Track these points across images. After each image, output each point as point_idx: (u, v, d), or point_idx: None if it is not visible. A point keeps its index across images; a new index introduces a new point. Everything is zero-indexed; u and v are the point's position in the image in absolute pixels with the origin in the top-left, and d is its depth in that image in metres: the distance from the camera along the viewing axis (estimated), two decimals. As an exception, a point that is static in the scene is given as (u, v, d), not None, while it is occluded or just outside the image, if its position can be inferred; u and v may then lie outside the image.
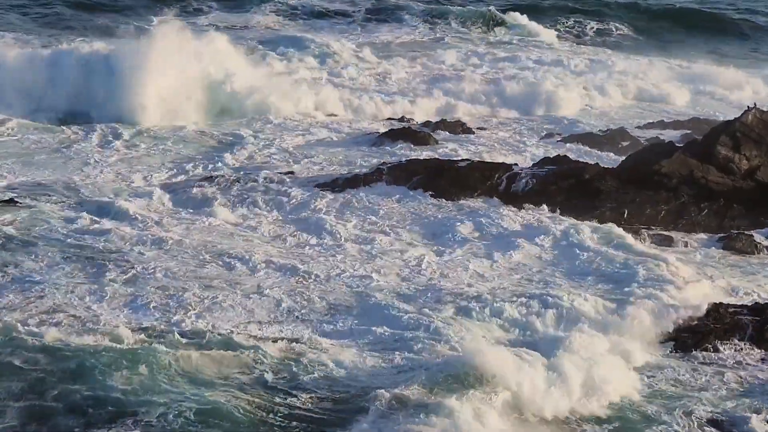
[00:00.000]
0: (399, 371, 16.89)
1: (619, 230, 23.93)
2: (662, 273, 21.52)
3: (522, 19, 57.02)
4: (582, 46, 54.70)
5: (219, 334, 17.58)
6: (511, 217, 24.69)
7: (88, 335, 17.31)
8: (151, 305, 18.97)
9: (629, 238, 23.54)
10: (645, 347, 18.51)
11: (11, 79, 34.62)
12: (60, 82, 34.67)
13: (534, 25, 56.59)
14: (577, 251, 22.86)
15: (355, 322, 18.81)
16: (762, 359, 18.56)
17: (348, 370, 16.84)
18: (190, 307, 18.93)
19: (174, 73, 34.58)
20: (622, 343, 18.22)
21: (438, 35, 54.58)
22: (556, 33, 56.68)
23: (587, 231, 23.80)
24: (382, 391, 15.87)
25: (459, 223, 24.19)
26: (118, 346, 16.84)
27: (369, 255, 22.24)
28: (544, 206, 25.26)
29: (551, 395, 16.23)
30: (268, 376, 16.45)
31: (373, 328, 18.46)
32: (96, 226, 22.86)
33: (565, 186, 26.08)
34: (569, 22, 58.97)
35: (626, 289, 20.68)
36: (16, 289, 19.35)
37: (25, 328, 17.47)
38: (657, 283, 21.00)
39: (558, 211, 25.14)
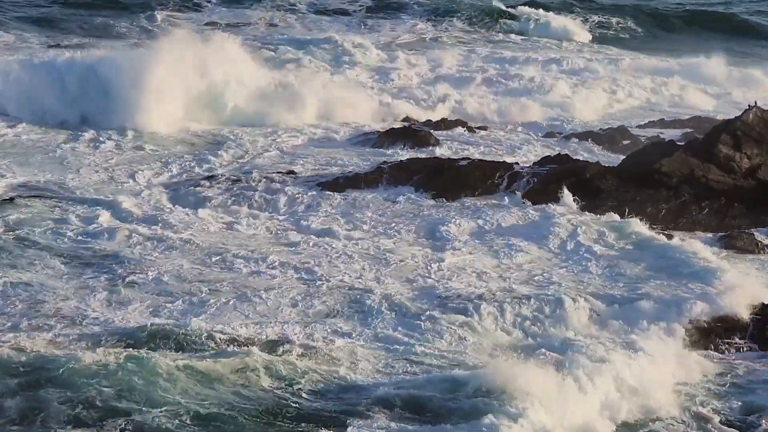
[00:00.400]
0: (405, 375, 16.79)
1: (641, 225, 23.78)
2: (700, 268, 21.61)
3: (537, 13, 56.22)
4: (584, 44, 54.51)
5: (221, 336, 17.49)
6: (516, 216, 24.64)
7: (86, 337, 17.26)
8: (151, 307, 18.93)
9: (647, 233, 23.45)
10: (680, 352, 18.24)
11: (14, 82, 34.59)
12: (62, 86, 34.56)
13: (549, 15, 55.78)
14: (589, 249, 22.72)
15: (359, 324, 18.68)
16: (763, 358, 18.54)
17: (351, 373, 16.73)
18: (190, 309, 18.88)
19: (178, 80, 34.31)
20: (655, 349, 17.78)
21: (440, 33, 54.39)
22: (588, 30, 55.94)
23: (598, 228, 23.66)
24: (387, 395, 15.82)
25: (462, 223, 24.10)
26: (117, 348, 16.76)
27: (372, 255, 22.12)
28: (551, 203, 25.17)
29: (597, 421, 15.76)
30: (270, 378, 16.34)
31: (378, 330, 18.38)
32: (95, 226, 22.85)
33: (566, 185, 26.00)
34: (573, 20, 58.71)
35: (646, 289, 20.61)
36: (14, 290, 19.32)
37: (24, 329, 17.46)
38: (697, 278, 21.09)
39: (576, 205, 24.99)
